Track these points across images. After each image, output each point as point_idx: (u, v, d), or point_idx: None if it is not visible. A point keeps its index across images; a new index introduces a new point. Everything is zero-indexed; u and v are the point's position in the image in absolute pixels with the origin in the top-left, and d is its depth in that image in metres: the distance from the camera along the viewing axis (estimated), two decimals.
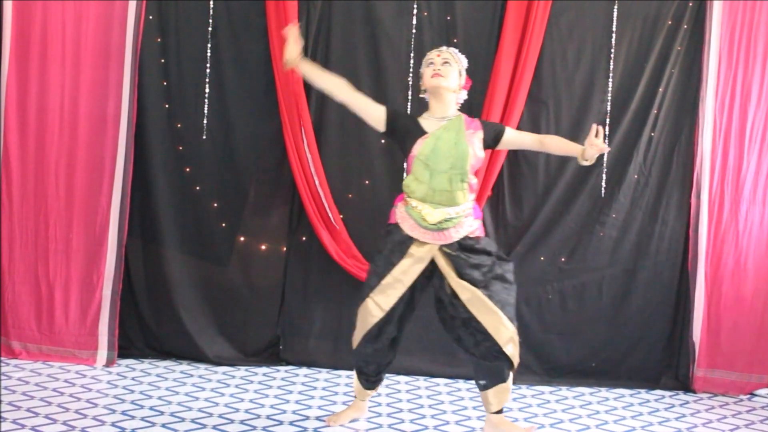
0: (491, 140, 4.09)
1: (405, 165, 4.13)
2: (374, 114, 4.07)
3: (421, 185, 3.97)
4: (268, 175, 5.30)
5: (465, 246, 3.97)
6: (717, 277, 5.27)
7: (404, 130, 4.04)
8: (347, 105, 4.10)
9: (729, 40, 5.23)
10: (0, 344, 5.07)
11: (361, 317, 3.99)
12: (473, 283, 3.90)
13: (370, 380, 4.23)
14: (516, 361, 3.97)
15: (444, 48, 4.11)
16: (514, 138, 4.15)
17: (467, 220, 4.00)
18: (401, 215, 4.03)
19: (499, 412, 4.10)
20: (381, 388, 4.92)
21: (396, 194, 5.23)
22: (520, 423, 4.39)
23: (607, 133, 5.27)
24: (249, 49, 5.24)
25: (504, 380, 4.03)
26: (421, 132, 4.01)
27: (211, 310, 5.31)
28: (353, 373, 4.28)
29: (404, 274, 3.93)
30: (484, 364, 4.01)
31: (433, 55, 4.06)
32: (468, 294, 3.89)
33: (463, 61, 4.13)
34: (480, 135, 4.04)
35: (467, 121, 4.07)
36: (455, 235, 3.95)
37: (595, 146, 3.89)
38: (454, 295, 3.93)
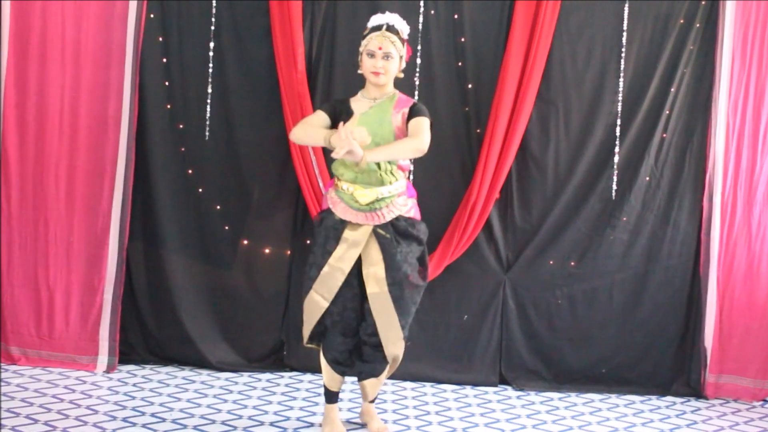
0: (407, 121, 4.00)
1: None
2: (321, 123, 4.02)
3: (348, 169, 3.94)
4: (272, 177, 5.24)
5: (399, 229, 3.97)
6: (729, 281, 5.21)
7: (338, 117, 4.00)
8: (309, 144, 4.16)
9: (742, 39, 5.16)
10: None
11: (307, 311, 4.00)
12: (394, 278, 3.90)
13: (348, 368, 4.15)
14: (392, 363, 4.05)
15: (387, 34, 3.97)
16: (409, 128, 4.00)
17: (400, 199, 4.00)
18: (332, 199, 4.02)
19: (372, 401, 4.28)
20: (387, 395, 4.89)
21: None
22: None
23: (618, 134, 5.23)
24: (252, 49, 5.18)
25: (376, 376, 4.14)
26: (350, 114, 4.00)
27: (214, 315, 5.26)
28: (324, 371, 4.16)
29: (341, 260, 3.92)
30: (366, 355, 4.07)
31: (374, 45, 3.97)
32: (375, 289, 3.92)
33: (404, 33, 4.05)
34: (405, 112, 4.00)
35: (399, 101, 4.04)
36: (388, 214, 3.95)
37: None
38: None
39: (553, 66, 5.19)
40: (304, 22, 5.09)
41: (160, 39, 5.16)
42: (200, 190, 5.23)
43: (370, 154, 3.73)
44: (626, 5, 5.21)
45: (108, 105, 5.03)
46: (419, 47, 5.19)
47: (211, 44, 5.18)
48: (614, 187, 5.25)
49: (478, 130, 5.17)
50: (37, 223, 5.04)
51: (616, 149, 5.23)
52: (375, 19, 4.08)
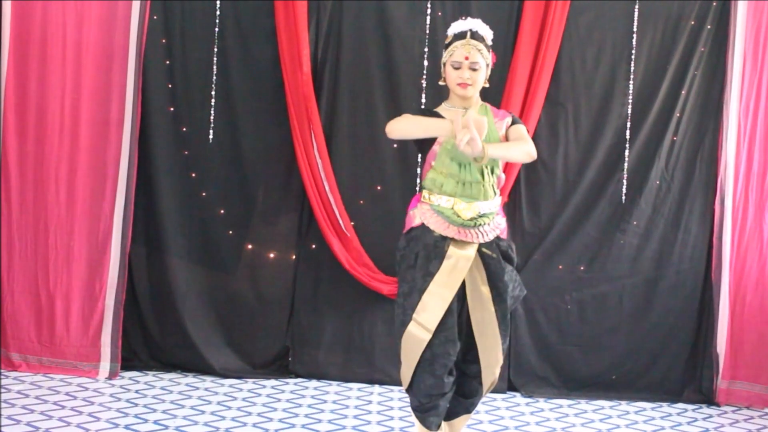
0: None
1: (422, 164, 3.80)
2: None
3: (449, 179, 3.56)
4: (277, 180, 5.21)
5: (502, 249, 3.64)
6: (741, 286, 5.15)
7: None
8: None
9: (754, 41, 5.12)
10: None
11: (406, 349, 3.51)
12: (501, 300, 3.58)
13: (438, 417, 3.63)
14: (488, 388, 3.72)
15: (472, 42, 3.59)
16: (511, 135, 3.70)
17: (498, 218, 3.67)
18: (427, 215, 3.60)
19: None
20: (394, 401, 4.84)
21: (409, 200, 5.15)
22: None
23: (628, 137, 5.20)
24: (257, 50, 5.15)
25: (471, 411, 3.80)
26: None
27: (218, 321, 5.23)
28: (414, 421, 3.75)
29: (445, 285, 3.49)
30: (467, 389, 3.71)
31: (459, 55, 3.57)
32: (481, 312, 3.57)
33: (489, 39, 3.66)
34: (508, 122, 3.69)
35: (494, 111, 3.71)
36: (491, 233, 3.59)
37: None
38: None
39: (562, 68, 5.15)
40: (309, 22, 5.07)
41: (163, 41, 5.13)
42: (204, 193, 5.20)
43: (489, 148, 3.36)
44: (636, 6, 5.18)
45: (110, 108, 5.00)
46: (426, 49, 5.16)
47: (215, 46, 5.15)
48: (624, 190, 5.22)
49: None
50: (38, 228, 5.01)
51: (626, 152, 5.20)
52: (457, 26, 3.69)
